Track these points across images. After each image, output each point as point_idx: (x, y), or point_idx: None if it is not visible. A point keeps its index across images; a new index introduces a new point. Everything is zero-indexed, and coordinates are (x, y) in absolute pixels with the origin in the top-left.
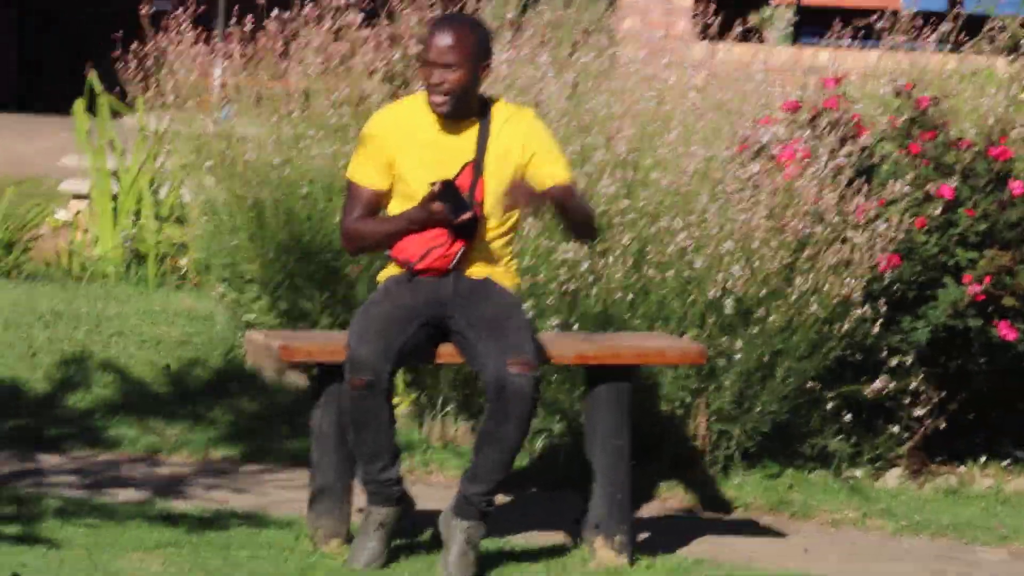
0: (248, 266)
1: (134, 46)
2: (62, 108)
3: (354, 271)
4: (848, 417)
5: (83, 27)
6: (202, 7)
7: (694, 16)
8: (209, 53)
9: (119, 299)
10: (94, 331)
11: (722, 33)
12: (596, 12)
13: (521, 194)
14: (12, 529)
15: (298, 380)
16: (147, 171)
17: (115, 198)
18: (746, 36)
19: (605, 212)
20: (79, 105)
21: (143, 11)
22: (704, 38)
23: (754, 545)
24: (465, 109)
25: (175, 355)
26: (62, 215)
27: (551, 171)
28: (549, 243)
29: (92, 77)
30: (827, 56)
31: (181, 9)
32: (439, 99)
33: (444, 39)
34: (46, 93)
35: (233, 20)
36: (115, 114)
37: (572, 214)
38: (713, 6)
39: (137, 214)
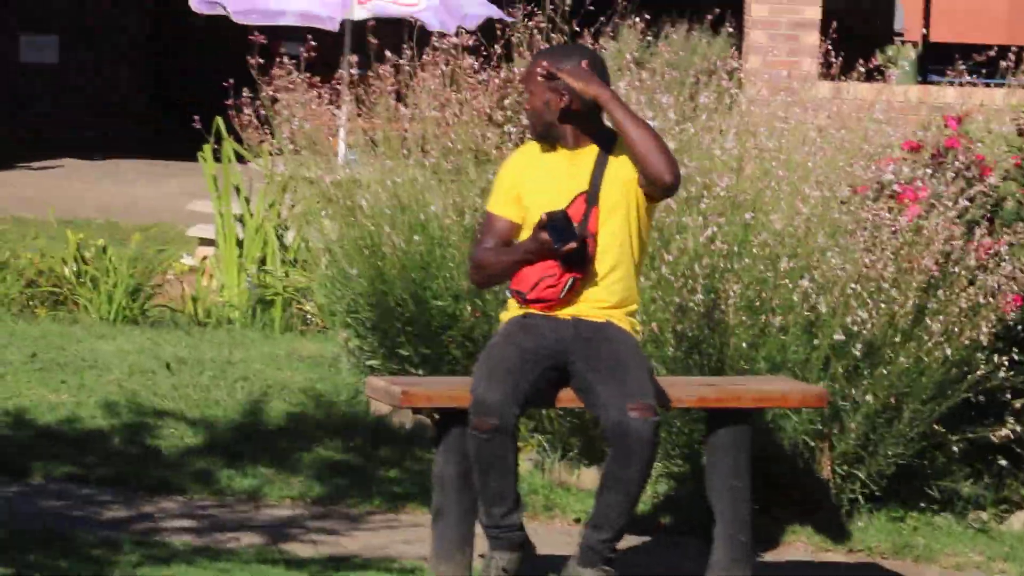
0: (369, 313)
1: (247, 93)
2: (191, 154)
3: (473, 315)
4: (976, 463)
5: (212, 74)
6: (313, 53)
7: (821, 56)
8: (324, 100)
9: (244, 344)
10: (219, 376)
11: (846, 72)
12: (717, 51)
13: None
14: (137, 574)
15: (420, 425)
16: (272, 216)
17: (240, 243)
18: (871, 75)
19: (720, 255)
20: (206, 150)
21: (252, 61)
22: (828, 77)
23: None
24: (552, 133)
25: (299, 400)
26: (188, 261)
27: None
28: (662, 295)
29: (218, 122)
30: (953, 94)
31: (290, 56)
32: (528, 121)
33: (534, 61)
34: (176, 139)
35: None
36: (241, 159)
37: (629, 124)
38: (838, 45)
39: (263, 260)
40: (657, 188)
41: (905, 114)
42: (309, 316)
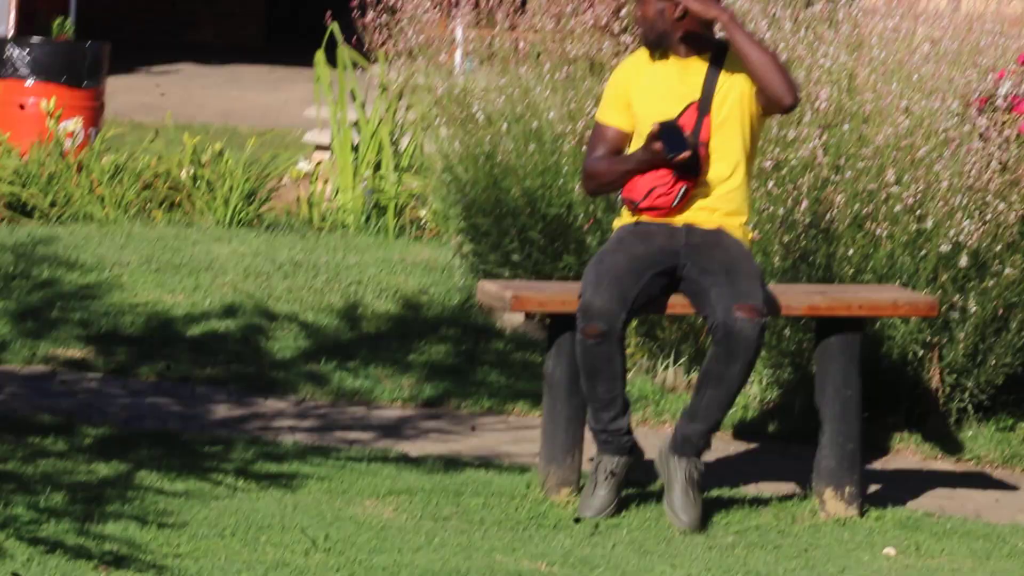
0: (483, 219)
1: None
2: (308, 60)
3: (586, 225)
4: None
5: None
6: None
7: None
8: (445, 6)
9: (358, 249)
10: (333, 280)
11: None
12: None
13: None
14: (249, 471)
15: (534, 330)
16: (387, 123)
17: (355, 149)
18: None
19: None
20: (319, 56)
21: None
22: None
23: (984, 498)
24: (657, 42)
25: (412, 304)
26: (304, 166)
27: None
28: (771, 207)
29: (334, 28)
30: None
31: None
32: (640, 29)
33: None
34: (294, 44)
35: None
36: (355, 66)
37: (748, 47)
38: None
39: (377, 165)
40: (777, 108)
41: (1019, 28)
42: (423, 222)
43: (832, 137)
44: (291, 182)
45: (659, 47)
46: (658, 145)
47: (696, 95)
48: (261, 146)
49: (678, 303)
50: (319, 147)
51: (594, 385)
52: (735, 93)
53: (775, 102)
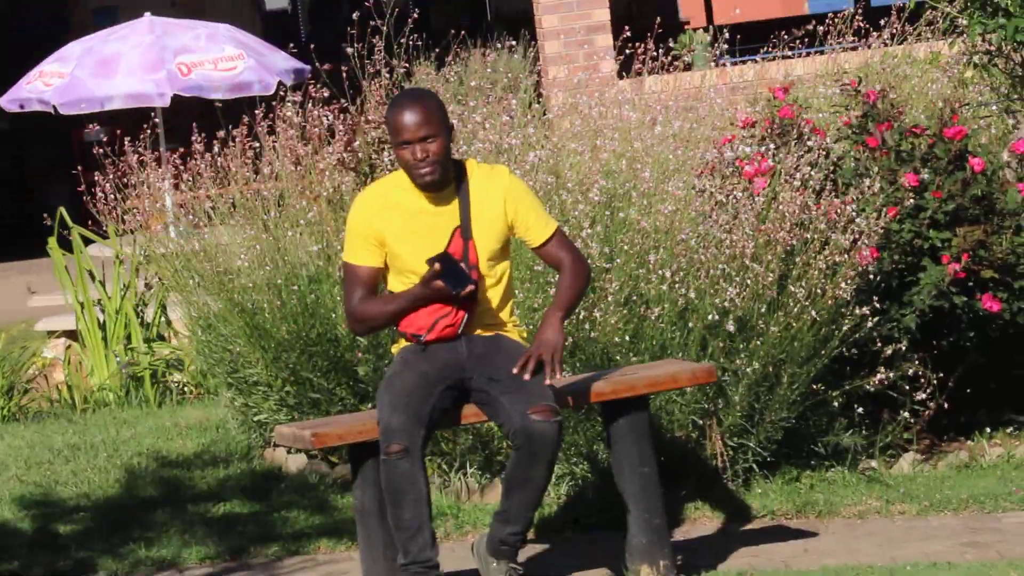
0: (251, 369)
1: (96, 177)
2: (10, 252)
3: (355, 356)
4: (858, 411)
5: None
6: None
7: (617, 55)
8: (164, 175)
9: (128, 422)
10: (113, 455)
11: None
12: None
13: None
14: None
15: (320, 467)
16: (129, 297)
17: (102, 327)
18: (668, 66)
19: (592, 259)
20: (53, 242)
21: (97, 149)
22: (629, 75)
23: (790, 549)
24: (447, 175)
25: (197, 465)
26: (49, 354)
27: (537, 228)
28: (540, 301)
29: (60, 213)
30: (751, 71)
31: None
32: (426, 170)
33: (416, 115)
34: None
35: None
36: (87, 243)
37: (575, 302)
38: (631, 41)
39: (128, 339)
40: None
41: (710, 96)
42: (183, 386)
43: (599, 225)
44: (40, 372)
45: (442, 184)
46: (440, 283)
47: (454, 221)
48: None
49: (471, 413)
50: (59, 333)
51: (400, 511)
52: (489, 211)
53: None
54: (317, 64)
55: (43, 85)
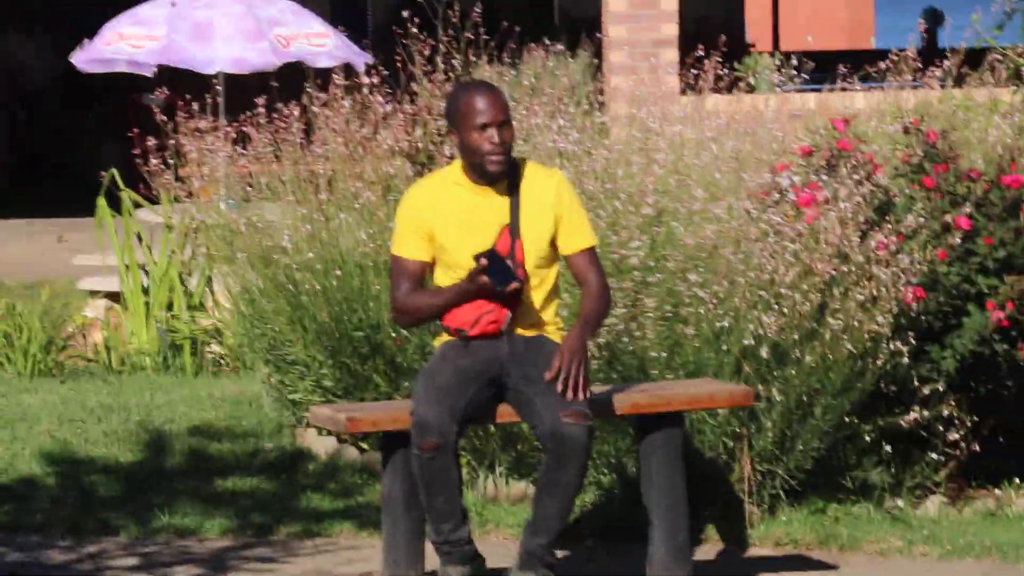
0: (290, 348)
1: (152, 142)
2: (58, 210)
3: (395, 344)
4: (887, 449)
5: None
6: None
7: (681, 70)
8: (221, 143)
9: (163, 388)
10: (146, 420)
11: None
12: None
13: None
14: None
15: (349, 453)
16: (175, 263)
17: (145, 291)
18: (731, 87)
19: (634, 271)
20: (101, 202)
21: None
22: (691, 92)
23: None
24: (508, 168)
25: (227, 438)
26: (90, 312)
27: (577, 236)
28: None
29: (112, 173)
30: (813, 100)
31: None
32: (499, 157)
33: (497, 99)
34: (34, 196)
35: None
36: (137, 206)
37: (598, 323)
38: (698, 58)
39: (170, 305)
40: None
41: (776, 123)
42: (220, 358)
43: (646, 236)
44: (78, 330)
45: (504, 175)
46: (485, 278)
47: (504, 219)
48: (31, 297)
49: (505, 411)
50: (101, 293)
51: (433, 498)
52: (539, 212)
53: None
54: (379, 54)
55: (130, 47)
